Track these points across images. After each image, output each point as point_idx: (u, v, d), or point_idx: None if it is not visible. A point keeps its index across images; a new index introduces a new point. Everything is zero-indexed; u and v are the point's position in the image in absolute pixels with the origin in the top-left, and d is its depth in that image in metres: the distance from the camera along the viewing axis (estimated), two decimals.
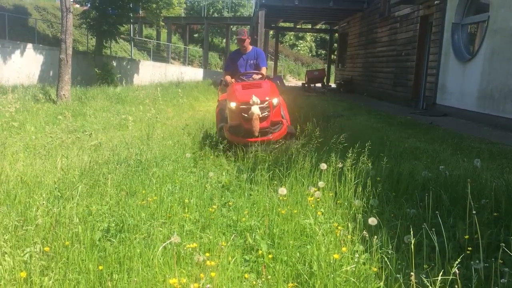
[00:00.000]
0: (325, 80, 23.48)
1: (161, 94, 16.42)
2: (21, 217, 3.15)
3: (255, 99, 5.80)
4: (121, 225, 3.24)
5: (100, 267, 2.53)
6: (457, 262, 2.17)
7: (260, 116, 5.83)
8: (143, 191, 3.80)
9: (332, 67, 29.11)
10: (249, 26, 27.03)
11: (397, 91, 15.73)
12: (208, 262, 2.21)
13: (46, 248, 2.56)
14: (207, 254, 2.45)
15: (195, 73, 30.45)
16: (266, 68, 7.18)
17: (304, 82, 23.36)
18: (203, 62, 34.35)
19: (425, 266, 2.39)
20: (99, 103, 13.62)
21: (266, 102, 6.00)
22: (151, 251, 2.63)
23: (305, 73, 24.97)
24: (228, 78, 6.99)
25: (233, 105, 6.10)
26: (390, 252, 2.49)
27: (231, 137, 6.09)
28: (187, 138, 7.49)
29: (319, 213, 3.20)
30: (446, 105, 12.20)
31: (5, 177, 4.39)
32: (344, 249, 2.55)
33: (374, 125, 9.86)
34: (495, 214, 3.08)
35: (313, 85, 22.54)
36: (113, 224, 3.27)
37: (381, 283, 2.22)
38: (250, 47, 7.20)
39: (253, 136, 5.82)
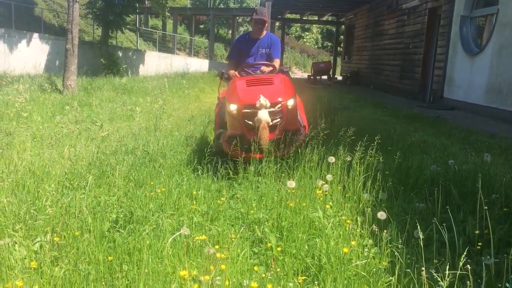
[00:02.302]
0: (331, 73, 23.38)
1: (167, 85, 16.45)
2: (31, 206, 3.16)
3: (263, 100, 4.37)
4: (130, 216, 3.24)
5: (110, 258, 2.53)
6: (464, 255, 2.16)
7: (270, 124, 4.40)
8: (151, 183, 3.80)
9: (338, 59, 28.98)
10: None
11: (404, 84, 15.65)
12: (218, 255, 2.21)
13: (56, 238, 2.57)
14: (217, 247, 2.45)
15: (200, 64, 30.39)
16: (280, 60, 5.70)
17: (310, 74, 23.27)
18: (208, 53, 34.28)
19: (435, 261, 2.37)
20: (105, 94, 13.63)
21: (279, 105, 4.53)
22: (161, 242, 2.64)
23: (311, 65, 24.87)
24: (232, 72, 5.47)
25: (233, 108, 4.61)
26: (400, 247, 2.48)
27: (230, 150, 4.54)
28: (193, 130, 7.48)
29: (327, 206, 3.19)
30: (453, 98, 12.12)
31: (13, 167, 4.40)
32: (353, 243, 2.55)
33: (380, 118, 9.82)
34: (505, 209, 3.05)
35: (319, 77, 22.45)
36: (121, 215, 3.28)
37: (392, 279, 2.21)
38: (264, 32, 5.71)
39: (260, 151, 4.37)
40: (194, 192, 3.65)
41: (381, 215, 2.82)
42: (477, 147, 6.42)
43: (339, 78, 25.58)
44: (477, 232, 2.65)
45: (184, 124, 8.55)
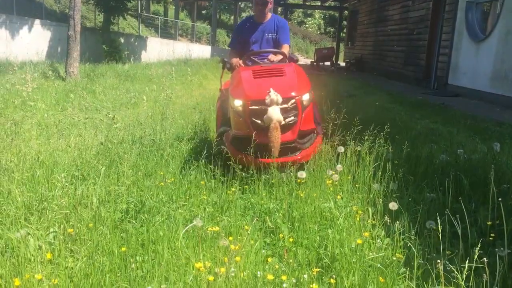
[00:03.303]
0: (334, 59, 23.26)
1: (168, 72, 16.39)
2: (42, 197, 3.17)
3: (274, 95, 3.71)
4: (141, 206, 3.24)
5: (123, 249, 2.54)
6: (478, 247, 2.16)
7: (283, 123, 3.76)
8: (161, 173, 3.80)
9: (341, 45, 28.81)
10: None
11: (408, 71, 15.56)
12: (232, 246, 2.21)
13: (70, 230, 2.57)
14: (230, 238, 2.46)
15: (202, 51, 30.25)
16: (289, 47, 5.00)
17: (313, 60, 23.17)
18: (210, 39, 34.09)
19: (448, 252, 2.37)
20: (108, 81, 13.60)
21: (293, 101, 3.86)
22: (174, 233, 2.64)
23: (314, 51, 24.77)
24: (235, 60, 4.81)
25: (238, 104, 3.97)
26: (412, 238, 2.49)
27: (235, 153, 3.98)
28: (198, 118, 7.46)
29: (338, 197, 3.19)
30: (458, 85, 12.06)
31: (22, 156, 4.40)
32: (366, 234, 2.55)
33: (386, 105, 9.78)
34: None
35: (322, 63, 22.35)
36: (132, 205, 3.28)
37: (406, 271, 2.22)
38: (269, 15, 5.00)
39: (271, 156, 3.74)
40: (203, 183, 3.64)
41: (393, 205, 2.82)
42: (485, 136, 6.39)
43: (342, 64, 25.45)
44: (489, 223, 2.64)
45: (189, 112, 8.53)
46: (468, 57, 11.63)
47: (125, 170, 4.18)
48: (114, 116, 5.04)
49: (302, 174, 3.29)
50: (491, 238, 2.55)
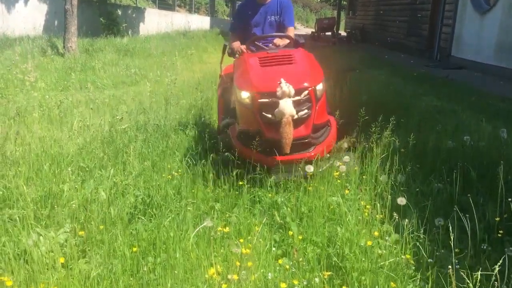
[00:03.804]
0: (335, 29, 22.94)
1: (168, 46, 16.22)
2: (51, 194, 3.17)
3: (285, 86, 3.38)
4: (149, 201, 3.25)
5: (134, 249, 2.57)
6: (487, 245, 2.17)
7: (295, 117, 3.44)
8: (168, 166, 3.79)
9: (342, 14, 28.37)
10: None
11: (410, 42, 15.38)
12: (243, 250, 2.23)
13: (81, 232, 2.59)
14: (241, 240, 2.47)
15: (201, 22, 29.77)
16: (294, 29, 4.70)
17: (314, 30, 22.87)
18: (209, 9, 33.52)
19: (456, 250, 2.39)
20: (107, 56, 13.45)
21: (306, 92, 3.53)
22: (184, 233, 2.66)
23: (315, 21, 24.39)
24: (236, 44, 4.45)
25: (245, 96, 3.65)
26: (421, 237, 2.50)
27: (242, 149, 3.69)
28: (200, 99, 7.40)
29: (346, 191, 3.19)
30: (461, 57, 11.94)
31: (27, 147, 4.38)
32: (376, 233, 2.56)
33: (389, 79, 9.69)
34: None
35: (323, 33, 22.05)
36: (140, 199, 3.29)
37: (417, 274, 2.24)
38: None
39: (283, 153, 3.45)
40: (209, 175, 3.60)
41: (401, 201, 2.83)
42: (489, 114, 6.35)
43: (343, 33, 25.12)
44: (497, 219, 2.65)
45: (191, 91, 8.47)
46: (472, 29, 11.46)
47: (130, 159, 4.19)
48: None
49: (310, 168, 3.26)
50: (499, 235, 2.56)
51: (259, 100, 3.51)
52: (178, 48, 16.28)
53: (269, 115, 3.46)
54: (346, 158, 3.54)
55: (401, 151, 3.69)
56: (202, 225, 2.50)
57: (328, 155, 3.72)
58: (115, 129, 5.04)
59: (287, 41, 4.34)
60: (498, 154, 3.57)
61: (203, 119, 5.62)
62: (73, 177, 3.63)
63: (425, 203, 2.92)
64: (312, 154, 3.55)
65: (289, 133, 3.35)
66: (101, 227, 2.61)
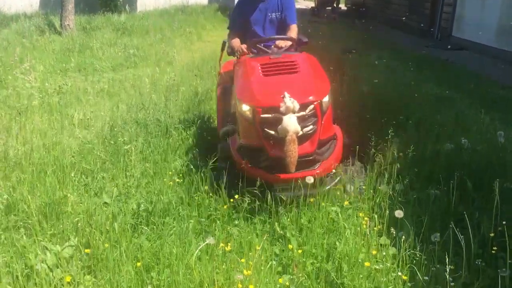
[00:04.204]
0: (335, 4, 22.58)
1: (167, 23, 16.02)
2: (55, 203, 3.23)
3: (289, 101, 3.18)
4: (151, 208, 3.32)
5: (138, 264, 2.64)
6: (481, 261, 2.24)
7: (300, 133, 3.23)
8: (169, 172, 3.84)
9: None
10: None
11: (411, 20, 15.19)
12: (245, 272, 2.30)
13: (87, 250, 2.66)
14: (242, 260, 2.54)
15: None
16: (297, 26, 4.45)
17: (314, 6, 22.55)
18: None
19: (451, 267, 2.46)
20: (105, 35, 13.31)
21: (311, 107, 3.33)
22: (187, 247, 2.73)
23: None
24: (236, 42, 4.30)
25: (246, 109, 3.46)
26: (418, 255, 2.58)
27: (244, 165, 3.46)
28: (200, 88, 7.38)
29: (346, 202, 3.24)
30: (462, 37, 11.85)
31: (28, 145, 4.41)
32: (374, 251, 2.63)
33: (389, 63, 9.65)
34: None
35: (322, 9, 21.72)
36: (142, 206, 3.35)
37: None
38: None
39: (287, 171, 3.23)
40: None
41: (399, 213, 2.89)
42: (488, 103, 6.37)
43: (344, 8, 24.75)
44: (492, 234, 2.72)
45: (190, 77, 8.44)
46: (474, 9, 11.35)
47: (132, 158, 4.24)
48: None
49: (310, 180, 3.17)
50: (493, 252, 2.63)
51: (262, 116, 3.31)
52: (177, 25, 16.10)
53: (272, 132, 3.26)
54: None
55: (400, 155, 3.73)
56: (205, 243, 2.57)
57: (334, 170, 3.54)
58: (116, 124, 5.06)
59: (290, 42, 4.16)
60: (495, 158, 3.62)
61: (203, 113, 5.63)
62: (76, 182, 3.69)
63: (423, 214, 2.99)
64: (318, 171, 3.33)
65: (293, 152, 3.14)
66: (106, 245, 2.67)
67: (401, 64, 9.54)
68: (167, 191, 3.52)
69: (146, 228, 3.07)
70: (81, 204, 3.29)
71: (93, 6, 19.09)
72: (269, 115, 3.28)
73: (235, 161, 3.58)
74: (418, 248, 2.64)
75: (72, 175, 3.68)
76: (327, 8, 21.65)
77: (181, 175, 3.77)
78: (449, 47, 11.72)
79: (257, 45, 4.18)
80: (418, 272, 2.44)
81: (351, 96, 5.77)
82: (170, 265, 2.60)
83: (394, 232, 2.69)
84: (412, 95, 6.52)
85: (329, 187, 3.40)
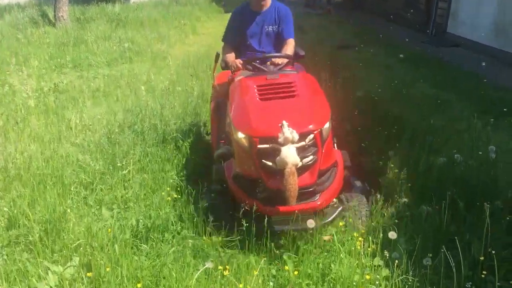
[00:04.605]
0: None
1: (161, 15, 15.93)
2: (55, 219, 3.29)
3: (288, 131, 3.01)
4: (150, 224, 3.38)
5: (139, 285, 2.71)
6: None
7: (300, 164, 3.08)
8: (168, 189, 3.89)
9: None
10: None
11: (407, 14, 15.18)
12: None
13: (89, 274, 2.72)
14: (241, 286, 2.61)
15: None
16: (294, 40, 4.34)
17: None
18: None
19: None
20: (100, 28, 13.25)
21: (311, 136, 3.18)
22: (185, 268, 2.80)
23: None
24: (230, 57, 4.22)
25: (241, 136, 3.29)
26: (410, 280, 2.67)
27: (239, 194, 3.34)
28: (195, 85, 7.41)
29: (341, 223, 3.31)
30: (457, 34, 11.86)
31: (27, 154, 4.45)
32: (368, 276, 2.71)
33: (386, 61, 9.70)
34: (508, 217, 3.20)
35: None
36: (141, 222, 3.41)
37: None
38: (269, 2, 4.32)
39: (286, 204, 3.06)
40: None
41: (392, 235, 2.98)
42: (482, 106, 6.43)
43: None
44: (482, 258, 2.81)
45: (185, 74, 8.45)
46: (469, 7, 11.37)
47: (130, 168, 4.29)
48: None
49: (312, 224, 3.03)
50: (483, 276, 2.72)
51: (259, 146, 3.14)
52: (171, 17, 16.01)
53: (270, 163, 3.09)
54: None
55: (395, 171, 3.81)
56: (204, 268, 2.65)
57: (335, 200, 3.40)
58: (113, 131, 5.09)
59: (285, 58, 4.09)
60: (486, 175, 3.70)
61: (199, 118, 5.67)
62: (75, 196, 3.74)
63: (415, 232, 3.08)
64: (318, 203, 3.18)
65: (293, 184, 2.95)
66: (108, 269, 2.74)
67: (397, 62, 9.59)
68: (165, 206, 3.58)
69: (145, 246, 3.14)
70: (80, 221, 3.33)
71: None
72: (267, 146, 3.11)
73: (230, 189, 3.42)
74: (411, 273, 2.72)
75: (72, 189, 3.73)
76: None
77: (178, 189, 3.84)
78: (444, 44, 11.76)
79: (253, 64, 4.07)
80: None
81: (345, 101, 5.81)
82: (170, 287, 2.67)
83: (387, 254, 2.77)
84: (407, 97, 6.60)
85: (330, 219, 3.25)
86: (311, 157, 3.16)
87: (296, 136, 3.04)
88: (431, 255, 2.88)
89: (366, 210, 3.44)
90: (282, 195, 3.01)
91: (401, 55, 9.81)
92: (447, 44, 11.70)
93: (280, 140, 3.03)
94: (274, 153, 3.07)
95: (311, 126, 3.20)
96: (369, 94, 6.50)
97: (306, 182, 3.14)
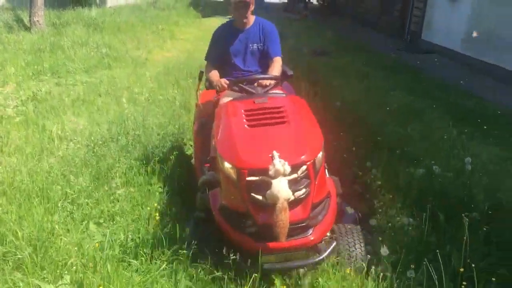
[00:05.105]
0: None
1: (138, 20, 15.87)
2: (44, 236, 3.29)
3: (279, 164, 2.74)
4: (138, 239, 3.42)
5: None
6: None
7: (292, 198, 2.80)
8: (155, 204, 3.93)
9: None
10: None
11: (382, 21, 15.52)
12: None
13: None
14: None
15: None
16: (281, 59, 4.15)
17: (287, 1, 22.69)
18: None
19: None
20: (76, 32, 13.10)
21: (304, 168, 2.92)
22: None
23: None
24: (214, 76, 4.02)
25: (228, 166, 3.00)
26: None
27: (225, 227, 3.06)
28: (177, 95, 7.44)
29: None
30: (431, 41, 12.20)
31: (10, 169, 4.42)
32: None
33: (361, 68, 9.90)
34: (485, 227, 3.36)
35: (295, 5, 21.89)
36: (130, 237, 3.45)
37: None
38: (252, 19, 4.15)
39: (276, 240, 2.79)
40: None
41: (384, 252, 3.10)
42: (457, 115, 6.64)
43: (315, 2, 24.96)
44: (461, 269, 2.95)
45: (166, 82, 8.47)
46: (443, 15, 11.70)
47: (117, 180, 4.31)
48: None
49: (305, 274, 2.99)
50: (463, 286, 2.86)
51: (247, 179, 2.85)
52: (149, 21, 15.97)
53: (260, 197, 2.81)
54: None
55: (378, 183, 3.94)
56: None
57: (329, 234, 3.18)
58: (96, 143, 5.10)
59: (273, 79, 3.87)
60: (463, 187, 3.88)
61: (182, 130, 5.72)
62: (62, 212, 3.75)
63: (398, 244, 3.22)
64: (311, 238, 2.95)
65: (285, 221, 2.70)
66: (100, 287, 2.77)
67: (372, 70, 9.79)
68: (152, 221, 3.63)
69: (135, 262, 3.18)
70: (69, 237, 3.35)
71: (62, 0, 18.69)
72: (256, 178, 2.83)
73: (215, 221, 3.14)
74: (395, 285, 2.84)
75: (59, 205, 3.74)
76: (299, 4, 21.81)
77: (163, 208, 3.89)
78: (418, 51, 12.05)
79: (239, 85, 3.82)
80: None
81: (323, 111, 5.94)
82: None
83: (373, 269, 2.90)
84: (384, 106, 6.77)
85: (324, 255, 3.03)
86: (303, 190, 2.89)
87: (288, 169, 2.75)
88: (413, 267, 3.01)
89: (361, 246, 3.21)
90: (272, 231, 2.75)
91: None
92: (422, 51, 12.02)
93: (271, 172, 2.74)
94: (264, 186, 2.79)
95: (303, 157, 2.93)
96: (346, 103, 6.64)
97: (298, 217, 2.89)
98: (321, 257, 3.00)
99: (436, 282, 2.80)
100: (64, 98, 7.56)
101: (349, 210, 3.65)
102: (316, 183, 2.97)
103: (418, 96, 7.74)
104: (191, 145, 5.33)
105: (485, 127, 5.80)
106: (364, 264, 3.06)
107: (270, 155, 2.77)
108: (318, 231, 2.98)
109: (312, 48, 12.12)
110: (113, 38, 13.02)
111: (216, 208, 3.15)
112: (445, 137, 5.43)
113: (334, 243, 3.11)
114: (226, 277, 2.91)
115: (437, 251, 2.98)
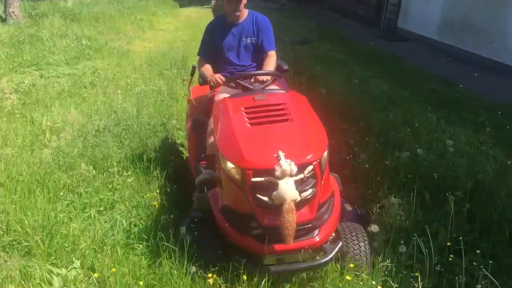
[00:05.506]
0: None
1: (116, 10, 15.74)
2: (49, 224, 3.40)
3: (285, 164, 2.64)
4: (141, 225, 3.56)
5: (141, 282, 2.90)
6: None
7: (299, 199, 2.71)
8: (154, 193, 4.05)
9: None
10: None
11: (359, 9, 15.74)
12: None
13: (96, 274, 2.88)
14: None
15: None
16: (276, 52, 4.08)
17: None
18: None
19: (416, 274, 2.90)
20: (54, 24, 12.94)
21: (310, 167, 2.81)
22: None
23: None
24: (208, 70, 3.94)
25: (231, 166, 2.88)
26: (389, 266, 2.99)
27: (228, 229, 2.93)
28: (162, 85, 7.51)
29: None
30: (407, 29, 12.48)
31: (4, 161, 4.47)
32: (348, 277, 2.93)
33: (340, 57, 10.12)
34: (468, 205, 3.60)
35: None
36: (134, 228, 3.58)
37: None
38: (246, 12, 4.06)
39: (283, 242, 2.67)
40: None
41: (374, 228, 3.31)
42: (434, 101, 6.91)
43: None
44: (448, 244, 3.19)
45: (149, 72, 8.52)
46: (418, 3, 11.99)
47: (114, 169, 4.41)
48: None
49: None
50: (450, 259, 3.10)
51: (253, 179, 2.74)
52: (127, 12, 15.86)
53: (266, 198, 2.71)
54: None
55: (366, 166, 4.16)
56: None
57: (334, 234, 3.09)
58: (88, 133, 5.17)
59: (269, 75, 3.71)
60: (446, 168, 4.13)
61: (173, 119, 5.83)
62: (63, 201, 3.85)
63: (389, 222, 3.44)
64: (318, 239, 2.85)
65: (292, 222, 2.60)
66: (113, 270, 2.90)
67: (351, 59, 10.02)
68: (151, 209, 3.78)
69: (141, 245, 3.32)
70: (74, 224, 3.46)
71: None
72: (262, 179, 2.72)
73: (215, 221, 3.01)
74: (389, 259, 3.05)
75: (61, 194, 3.84)
76: None
77: (161, 196, 4.02)
78: (395, 39, 12.32)
79: (237, 81, 3.63)
80: (391, 282, 2.86)
81: (312, 92, 6.13)
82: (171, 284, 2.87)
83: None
84: (364, 93, 7.01)
85: (330, 257, 2.92)
86: (310, 190, 2.78)
87: (294, 169, 2.66)
88: (403, 242, 3.24)
89: (365, 244, 3.11)
90: (278, 233, 2.65)
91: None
92: (398, 39, 12.29)
93: (277, 173, 2.63)
94: (270, 187, 2.68)
95: (309, 157, 2.81)
96: (329, 91, 6.85)
97: (305, 217, 2.79)
98: (327, 258, 2.90)
99: (426, 255, 3.02)
100: (49, 90, 7.55)
101: (348, 207, 3.60)
102: (323, 182, 2.88)
103: (395, 83, 8.00)
104: (183, 136, 5.45)
105: (462, 113, 6.09)
106: (367, 263, 3.05)
107: (275, 155, 2.69)
108: (324, 232, 2.90)
109: (293, 37, 12.26)
110: (91, 29, 12.93)
111: (217, 208, 3.03)
112: (426, 121, 5.71)
113: (340, 244, 3.02)
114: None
115: (426, 226, 3.19)
